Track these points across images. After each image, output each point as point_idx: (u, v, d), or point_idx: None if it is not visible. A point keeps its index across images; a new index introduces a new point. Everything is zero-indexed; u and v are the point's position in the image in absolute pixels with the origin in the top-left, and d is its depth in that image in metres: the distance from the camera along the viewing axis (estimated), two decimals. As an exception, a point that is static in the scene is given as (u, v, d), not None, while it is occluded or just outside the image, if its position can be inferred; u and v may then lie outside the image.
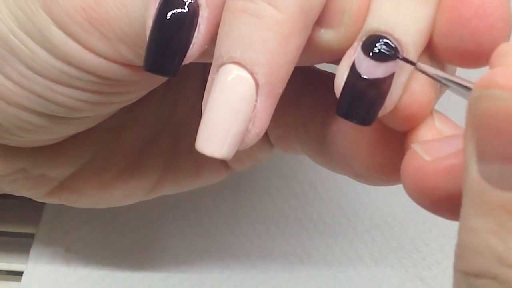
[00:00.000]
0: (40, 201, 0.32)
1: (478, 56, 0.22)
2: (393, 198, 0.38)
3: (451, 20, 0.22)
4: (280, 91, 0.21)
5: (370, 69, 0.21)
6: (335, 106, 0.23)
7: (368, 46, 0.22)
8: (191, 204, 0.38)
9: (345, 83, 0.22)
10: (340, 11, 0.22)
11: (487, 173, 0.17)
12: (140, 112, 0.31)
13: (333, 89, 0.25)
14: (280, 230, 0.37)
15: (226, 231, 0.37)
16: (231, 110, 0.21)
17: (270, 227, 0.37)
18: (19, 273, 0.36)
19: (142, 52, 0.23)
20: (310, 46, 0.22)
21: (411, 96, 0.22)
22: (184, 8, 0.21)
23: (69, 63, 0.24)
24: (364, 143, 0.25)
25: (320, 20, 0.22)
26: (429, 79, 0.22)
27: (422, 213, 0.37)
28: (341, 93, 0.22)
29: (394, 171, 0.24)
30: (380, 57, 0.21)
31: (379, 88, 0.21)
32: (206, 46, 0.22)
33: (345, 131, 0.25)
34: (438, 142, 0.22)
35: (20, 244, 0.37)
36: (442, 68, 0.23)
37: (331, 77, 0.25)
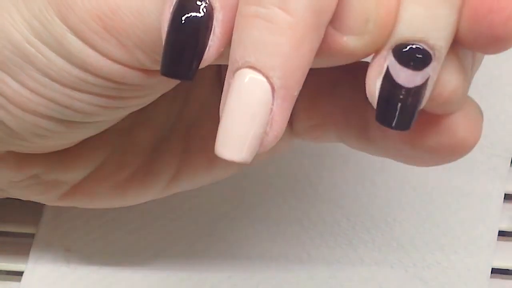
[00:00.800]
0: (52, 205, 0.32)
1: (497, 46, 0.22)
2: (393, 198, 0.38)
3: (470, 18, 0.22)
4: (296, 93, 0.22)
5: (409, 78, 0.22)
6: None
7: (405, 56, 0.22)
8: (190, 204, 0.38)
9: (381, 93, 0.22)
10: (363, 19, 0.22)
11: None
12: (151, 112, 0.31)
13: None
14: (280, 230, 0.37)
15: (226, 231, 0.37)
16: (248, 114, 0.21)
17: (270, 227, 0.37)
18: (19, 273, 0.36)
19: (159, 58, 0.22)
20: (333, 52, 0.22)
21: (441, 85, 0.23)
22: (199, 12, 0.21)
23: (86, 70, 0.24)
24: (415, 126, 0.25)
25: (342, 27, 0.22)
26: (458, 65, 0.23)
27: (422, 213, 0.38)
28: (378, 103, 0.22)
29: (446, 151, 0.25)
30: (418, 66, 0.22)
31: (418, 94, 0.22)
32: (223, 49, 0.22)
33: None
34: None
35: (20, 244, 0.37)
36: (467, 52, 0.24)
37: (365, 63, 0.25)
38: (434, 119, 0.25)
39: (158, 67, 0.23)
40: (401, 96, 0.22)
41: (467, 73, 0.24)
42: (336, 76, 0.28)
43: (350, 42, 0.22)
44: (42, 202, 0.32)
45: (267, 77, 0.21)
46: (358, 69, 0.27)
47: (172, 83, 0.27)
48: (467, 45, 0.23)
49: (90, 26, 0.23)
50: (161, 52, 0.22)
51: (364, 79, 0.27)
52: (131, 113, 0.29)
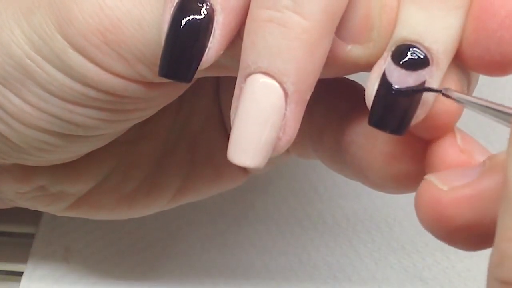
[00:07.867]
0: (59, 215, 0.32)
1: (504, 66, 0.22)
2: (393, 198, 0.38)
3: (478, 30, 0.21)
4: (308, 97, 0.21)
5: (402, 78, 0.21)
6: (349, 114, 0.23)
7: (399, 55, 0.22)
8: (190, 204, 0.38)
9: (376, 93, 0.22)
10: (368, 27, 0.22)
11: None
12: (155, 125, 0.31)
13: (347, 97, 0.25)
14: (280, 230, 0.37)
15: (225, 231, 0.37)
16: (261, 119, 0.21)
17: (270, 227, 0.37)
18: (19, 273, 0.36)
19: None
20: (337, 61, 0.22)
21: (441, 105, 0.22)
22: (199, 14, 0.21)
23: (87, 84, 0.24)
24: (378, 154, 0.24)
25: (347, 36, 0.22)
26: (460, 89, 0.22)
27: (422, 213, 0.37)
28: (372, 103, 0.22)
29: (409, 181, 0.24)
30: (411, 66, 0.21)
31: (411, 97, 0.21)
32: (222, 52, 0.22)
33: (359, 142, 0.25)
34: (452, 173, 0.21)
35: (20, 244, 0.37)
36: (468, 77, 0.23)
37: (345, 83, 0.25)
38: (399, 149, 0.24)
39: (159, 80, 0.23)
40: (393, 97, 0.21)
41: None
42: (315, 96, 0.27)
43: (355, 51, 0.22)
44: (49, 212, 0.32)
45: (280, 83, 0.21)
46: (336, 91, 0.27)
47: (173, 95, 0.26)
48: (469, 62, 0.22)
49: (91, 41, 0.23)
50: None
51: (340, 101, 0.26)
52: (135, 126, 0.29)
